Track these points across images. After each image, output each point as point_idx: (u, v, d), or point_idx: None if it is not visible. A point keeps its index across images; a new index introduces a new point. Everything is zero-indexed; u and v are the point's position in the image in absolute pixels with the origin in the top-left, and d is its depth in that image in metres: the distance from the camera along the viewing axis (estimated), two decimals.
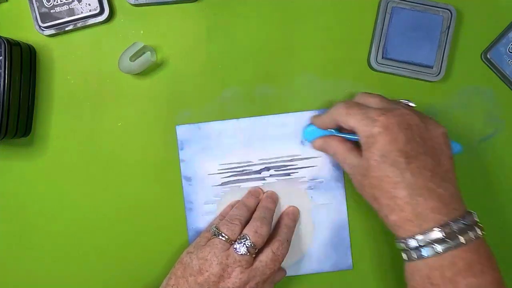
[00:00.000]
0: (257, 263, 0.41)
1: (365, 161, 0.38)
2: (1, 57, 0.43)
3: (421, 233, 0.36)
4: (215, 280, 0.40)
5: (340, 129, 0.44)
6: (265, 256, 0.42)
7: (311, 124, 0.47)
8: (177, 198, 0.49)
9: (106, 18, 0.47)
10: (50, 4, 0.46)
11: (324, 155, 0.48)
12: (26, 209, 0.49)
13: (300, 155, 0.48)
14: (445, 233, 0.35)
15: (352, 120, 0.39)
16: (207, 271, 0.40)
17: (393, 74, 0.48)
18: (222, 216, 0.46)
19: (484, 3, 0.48)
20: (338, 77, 0.48)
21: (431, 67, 0.47)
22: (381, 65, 0.48)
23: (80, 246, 0.49)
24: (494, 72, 0.48)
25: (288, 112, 0.48)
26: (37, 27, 0.47)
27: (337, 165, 0.48)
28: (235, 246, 0.41)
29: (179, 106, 0.48)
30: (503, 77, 0.48)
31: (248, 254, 0.41)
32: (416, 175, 0.36)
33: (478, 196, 0.49)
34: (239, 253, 0.40)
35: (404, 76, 0.48)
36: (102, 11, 0.47)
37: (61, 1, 0.46)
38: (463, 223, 0.35)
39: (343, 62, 0.49)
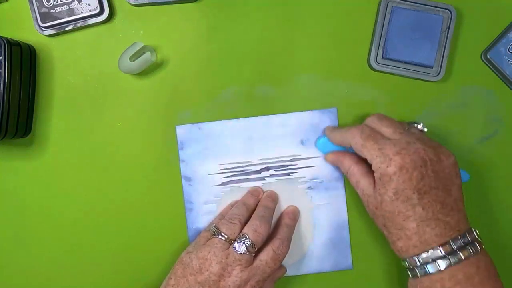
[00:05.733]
0: (257, 262, 0.41)
1: (378, 195, 0.39)
2: (1, 57, 0.43)
3: (424, 253, 0.38)
4: (215, 279, 0.40)
5: None
6: (266, 255, 0.42)
7: (324, 136, 0.47)
8: (177, 198, 0.49)
9: (106, 18, 0.47)
10: (50, 4, 0.46)
11: (324, 156, 0.48)
12: (26, 209, 0.49)
13: (300, 155, 0.48)
14: (445, 251, 0.37)
15: (367, 154, 0.40)
16: (207, 270, 0.40)
17: (393, 74, 0.48)
18: (222, 216, 0.46)
19: (484, 3, 0.48)
20: (338, 77, 0.48)
21: (431, 67, 0.47)
22: (381, 65, 0.48)
23: (79, 246, 0.49)
24: (494, 72, 0.48)
25: (288, 112, 0.48)
26: (37, 27, 0.47)
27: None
28: (234, 245, 0.41)
29: (179, 106, 0.48)
30: (503, 77, 0.48)
31: (248, 253, 0.41)
32: (427, 209, 0.38)
33: (478, 196, 0.49)
34: (239, 252, 0.40)
35: (404, 76, 0.48)
36: (102, 11, 0.47)
37: (61, 1, 0.46)
38: (463, 241, 0.38)
39: (343, 62, 0.49)
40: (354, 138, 0.41)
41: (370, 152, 0.40)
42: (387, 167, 0.38)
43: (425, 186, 0.38)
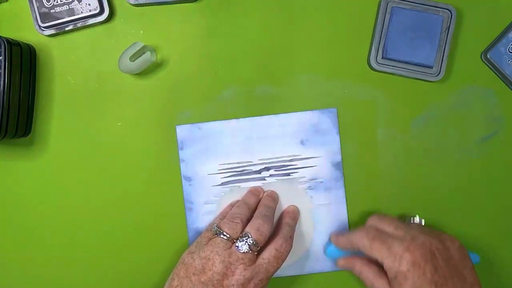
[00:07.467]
0: (260, 260, 0.41)
1: None
2: (1, 57, 0.43)
3: None
4: (219, 278, 0.40)
5: None
6: (268, 254, 0.42)
7: (331, 243, 0.47)
8: (177, 198, 0.49)
9: (106, 18, 0.47)
10: (50, 4, 0.46)
11: (324, 156, 0.48)
12: (26, 209, 0.49)
13: (300, 155, 0.48)
14: None
15: (377, 254, 0.41)
16: (210, 270, 0.40)
17: (393, 74, 0.48)
18: (223, 216, 0.46)
19: (484, 3, 0.48)
20: (338, 77, 0.48)
21: (431, 67, 0.47)
22: (381, 65, 0.48)
23: (79, 246, 0.49)
24: (494, 72, 0.48)
25: (288, 112, 0.48)
26: (37, 27, 0.47)
27: (337, 165, 0.48)
28: (237, 244, 0.41)
29: (179, 106, 0.48)
30: (503, 77, 0.48)
31: (250, 251, 0.41)
32: None
33: (478, 196, 0.49)
34: (241, 251, 0.41)
35: (404, 76, 0.48)
36: (102, 11, 0.47)
37: (61, 1, 0.46)
38: None
39: (343, 62, 0.49)
40: (362, 241, 0.42)
41: (379, 252, 0.41)
42: (400, 265, 0.39)
43: (440, 278, 0.39)
